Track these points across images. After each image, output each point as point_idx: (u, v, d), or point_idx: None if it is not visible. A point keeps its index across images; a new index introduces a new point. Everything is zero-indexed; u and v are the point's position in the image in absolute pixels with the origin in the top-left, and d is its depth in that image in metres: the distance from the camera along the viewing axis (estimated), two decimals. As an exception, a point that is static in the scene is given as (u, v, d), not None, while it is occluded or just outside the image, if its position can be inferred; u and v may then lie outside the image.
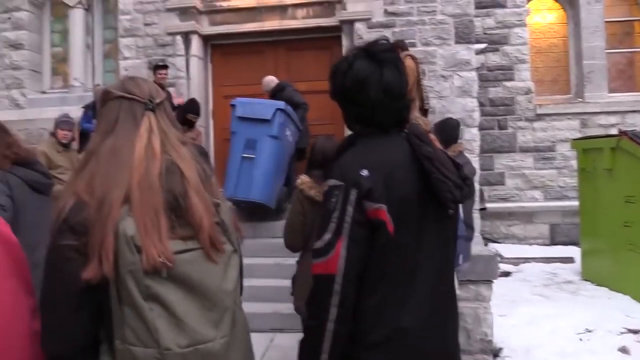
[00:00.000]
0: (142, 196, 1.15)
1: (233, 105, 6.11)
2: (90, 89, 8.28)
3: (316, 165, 3.03)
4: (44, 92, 8.75)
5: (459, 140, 5.47)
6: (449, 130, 4.91)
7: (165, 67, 7.25)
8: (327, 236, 1.39)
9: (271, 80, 6.91)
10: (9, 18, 8.52)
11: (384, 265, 1.41)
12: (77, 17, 8.59)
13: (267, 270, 5.40)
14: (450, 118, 5.61)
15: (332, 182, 1.43)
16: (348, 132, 1.67)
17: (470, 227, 3.78)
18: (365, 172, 1.39)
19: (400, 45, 6.31)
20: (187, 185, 1.21)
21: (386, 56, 1.51)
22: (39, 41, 8.79)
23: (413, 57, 6.09)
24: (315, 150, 3.12)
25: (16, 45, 8.50)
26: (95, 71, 8.75)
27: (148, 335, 1.09)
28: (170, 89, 7.60)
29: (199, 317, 1.15)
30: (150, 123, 1.26)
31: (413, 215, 1.44)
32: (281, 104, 6.03)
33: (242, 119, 5.92)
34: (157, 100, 1.31)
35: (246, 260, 4.74)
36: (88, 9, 8.71)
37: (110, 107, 1.30)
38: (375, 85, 1.47)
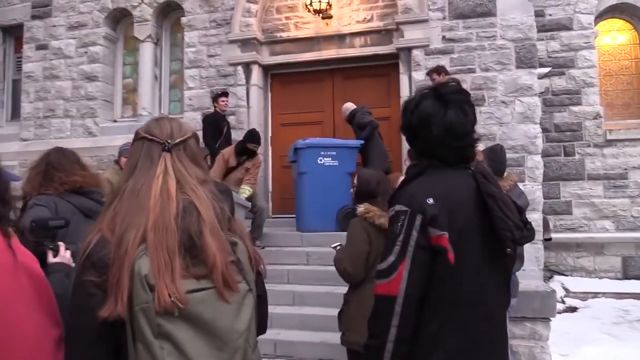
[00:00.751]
0: (156, 237, 1.18)
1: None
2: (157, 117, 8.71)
3: (365, 195, 3.04)
4: (114, 121, 9.32)
5: (518, 169, 5.32)
6: (501, 157, 4.77)
7: (226, 94, 7.50)
8: (391, 258, 1.47)
9: (346, 108, 7.12)
10: (86, 52, 9.21)
11: (443, 292, 1.47)
12: (146, 50, 9.14)
13: (318, 298, 5.44)
14: (497, 144, 5.46)
15: (399, 207, 1.52)
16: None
17: (520, 258, 3.66)
18: (430, 201, 1.48)
19: (439, 70, 6.32)
20: (202, 225, 1.23)
21: (453, 97, 1.61)
22: (111, 73, 9.41)
23: (457, 81, 6.11)
24: (362, 180, 3.13)
25: (91, 77, 9.16)
26: (162, 101, 9.23)
27: None
28: (231, 117, 7.90)
29: (209, 355, 1.17)
30: (165, 164, 1.30)
31: (473, 247, 1.51)
32: (297, 142, 6.67)
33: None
34: (177, 140, 1.35)
35: (297, 288, 4.84)
36: (157, 43, 9.26)
37: (135, 147, 1.37)
38: (437, 124, 1.57)
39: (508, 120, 7.15)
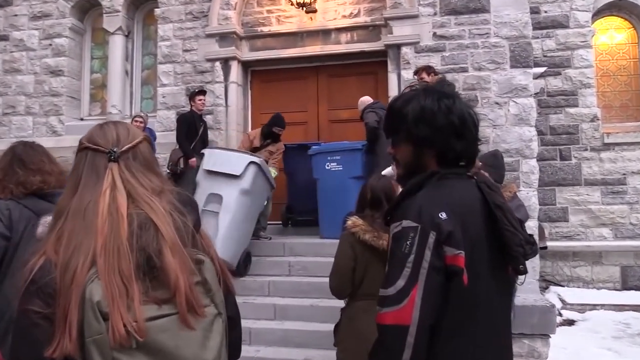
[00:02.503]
0: (107, 261, 1.13)
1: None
2: (127, 116, 8.63)
3: (368, 205, 2.99)
4: (81, 119, 9.16)
5: (513, 174, 5.30)
6: (502, 163, 4.74)
7: (203, 92, 7.45)
8: (401, 283, 1.39)
9: (361, 103, 6.94)
10: (50, 44, 9.02)
11: (457, 315, 1.42)
12: (117, 44, 9.00)
13: (301, 311, 5.39)
14: (496, 150, 5.44)
15: (407, 223, 1.43)
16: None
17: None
18: (444, 215, 1.41)
19: (428, 70, 6.31)
20: (162, 243, 1.18)
21: (457, 94, 1.65)
22: (78, 67, 9.25)
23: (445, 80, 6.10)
24: (367, 190, 3.06)
25: (56, 72, 8.97)
26: (133, 98, 9.11)
27: None
28: (208, 117, 7.81)
29: None
30: (112, 176, 1.25)
31: (484, 264, 1.47)
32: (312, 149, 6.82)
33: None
34: (124, 147, 1.30)
35: (278, 301, 4.77)
36: (128, 35, 9.12)
37: (78, 160, 1.30)
38: (470, 121, 1.59)
39: (502, 122, 7.17)
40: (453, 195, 1.49)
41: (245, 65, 8.44)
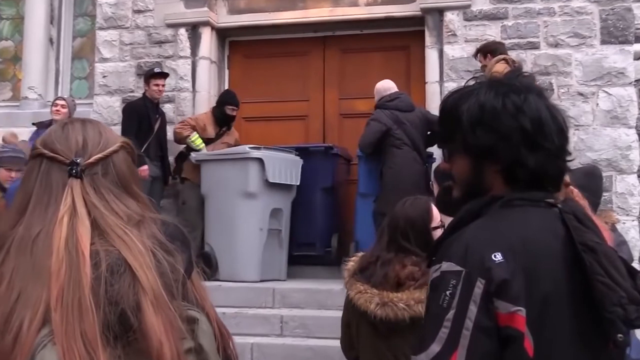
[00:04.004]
0: (65, 318, 1.12)
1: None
2: (50, 102, 8.45)
3: (399, 239, 3.07)
4: (-16, 106, 9.11)
5: (604, 195, 5.22)
6: (599, 184, 4.64)
7: (163, 74, 7.50)
8: (435, 348, 1.41)
9: (378, 90, 7.03)
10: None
11: None
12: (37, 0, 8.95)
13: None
14: (592, 165, 5.37)
15: (448, 266, 1.47)
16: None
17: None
18: (498, 257, 1.43)
19: (486, 49, 6.43)
20: (140, 294, 1.18)
21: (536, 88, 1.67)
22: (-19, 33, 9.24)
23: (509, 61, 6.18)
24: (394, 220, 3.17)
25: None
26: (60, 77, 9.10)
27: None
28: (167, 107, 7.79)
29: None
30: (73, 198, 1.26)
31: (564, 329, 1.47)
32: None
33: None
34: (92, 159, 1.31)
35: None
36: (54, -12, 9.13)
37: (29, 171, 1.32)
38: (553, 126, 1.60)
39: (588, 121, 7.14)
40: (518, 230, 1.52)
41: (222, 33, 8.43)
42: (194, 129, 7.41)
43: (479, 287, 1.41)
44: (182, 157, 7.50)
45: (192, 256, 1.37)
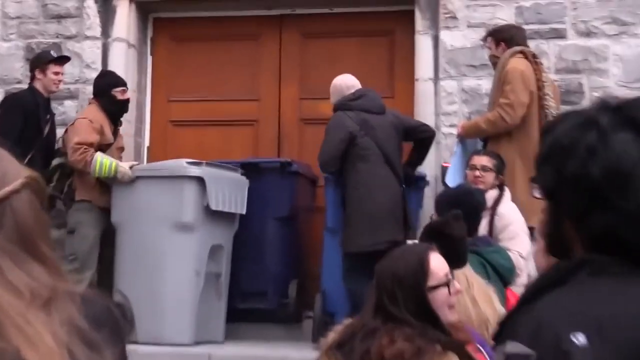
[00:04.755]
0: None
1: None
2: None
3: (385, 304, 3.12)
4: None
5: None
6: None
7: (64, 59, 7.44)
8: None
9: (335, 86, 6.89)
10: None
11: None
12: None
13: None
14: None
15: (514, 348, 1.45)
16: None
17: None
18: (581, 339, 1.36)
19: (501, 35, 6.64)
20: None
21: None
22: None
23: (528, 56, 6.42)
24: (379, 278, 3.25)
25: None
26: None
27: None
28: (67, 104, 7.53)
29: None
30: None
31: None
32: None
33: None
34: None
35: None
36: None
37: None
38: (636, 179, 1.56)
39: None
40: (612, 305, 1.47)
41: (144, 7, 8.46)
42: (97, 133, 7.11)
43: None
44: (66, 168, 7.15)
45: (125, 349, 1.35)
